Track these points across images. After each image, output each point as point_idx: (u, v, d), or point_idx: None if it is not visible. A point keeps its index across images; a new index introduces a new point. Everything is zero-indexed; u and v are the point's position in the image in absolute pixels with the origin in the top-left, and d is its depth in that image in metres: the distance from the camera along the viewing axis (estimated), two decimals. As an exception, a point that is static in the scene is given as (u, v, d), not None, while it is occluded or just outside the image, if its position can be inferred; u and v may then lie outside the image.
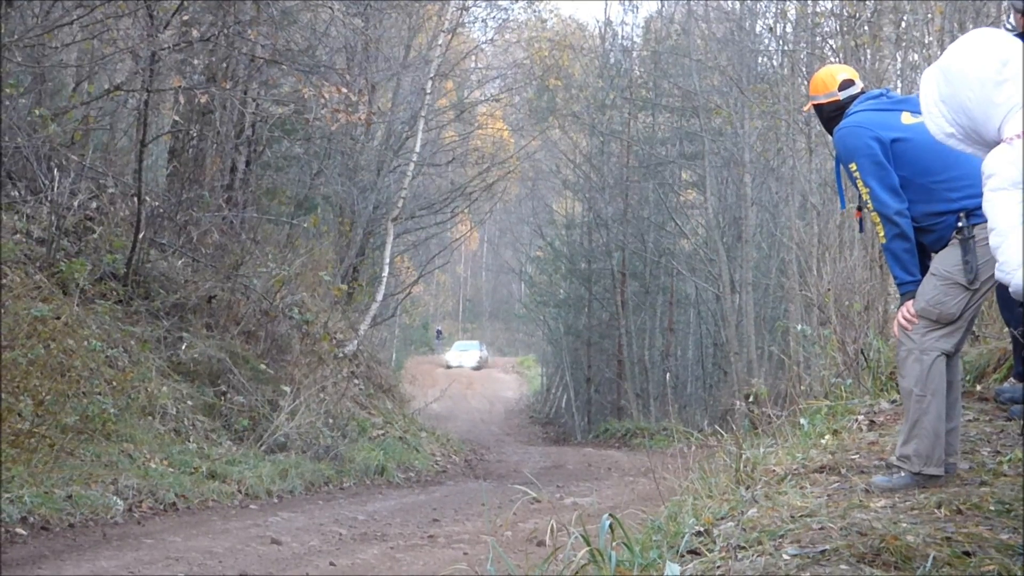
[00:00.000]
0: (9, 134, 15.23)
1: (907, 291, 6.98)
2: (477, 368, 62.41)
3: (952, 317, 6.80)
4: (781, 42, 28.41)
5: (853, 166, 6.98)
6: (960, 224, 6.80)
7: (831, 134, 7.35)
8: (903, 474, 6.95)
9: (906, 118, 7.03)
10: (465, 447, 26.75)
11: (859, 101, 7.15)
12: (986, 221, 6.33)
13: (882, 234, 7.00)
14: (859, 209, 7.30)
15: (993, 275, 6.46)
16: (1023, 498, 6.20)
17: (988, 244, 6.31)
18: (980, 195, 6.43)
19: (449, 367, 59.55)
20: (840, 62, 19.14)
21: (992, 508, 6.13)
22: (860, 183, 6.97)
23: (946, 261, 6.85)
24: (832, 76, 7.38)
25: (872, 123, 6.96)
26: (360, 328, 24.32)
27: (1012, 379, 9.87)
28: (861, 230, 8.97)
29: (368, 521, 13.20)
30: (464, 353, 65.03)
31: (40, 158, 15.69)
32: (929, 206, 6.89)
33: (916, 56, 16.96)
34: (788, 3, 28.15)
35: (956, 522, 5.91)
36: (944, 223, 6.84)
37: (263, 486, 15.06)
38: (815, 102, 7.34)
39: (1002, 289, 5.67)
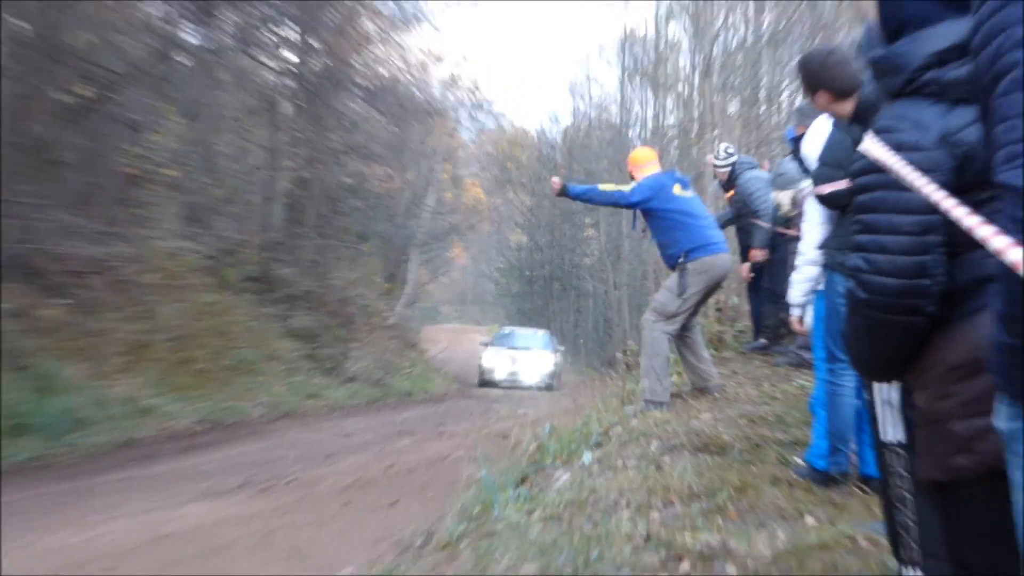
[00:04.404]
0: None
1: (571, 192, 8.82)
2: (551, 386, 27.06)
3: (671, 313, 8.40)
4: (640, 140, 32.35)
5: (631, 184, 8.71)
6: (680, 260, 8.44)
7: None
8: (642, 403, 8.41)
9: (676, 189, 8.69)
10: (458, 380, 28.83)
11: (657, 173, 8.80)
12: (695, 259, 8.33)
13: (604, 188, 8.83)
14: (644, 231, 9.05)
15: (696, 291, 8.43)
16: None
17: (697, 273, 8.33)
18: (697, 244, 8.42)
19: (486, 382, 27.88)
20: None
21: (771, 419, 6.97)
22: (628, 188, 8.70)
23: (671, 281, 8.54)
24: (641, 158, 9.07)
25: (659, 180, 8.67)
26: (396, 308, 29.31)
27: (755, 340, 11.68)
28: (634, 227, 9.70)
29: (402, 423, 14.63)
30: (523, 356, 28.89)
31: (207, 210, 18.72)
32: (669, 238, 8.58)
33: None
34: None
35: (752, 427, 6.77)
36: (668, 254, 8.60)
37: (341, 402, 17.47)
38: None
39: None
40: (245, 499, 8.08)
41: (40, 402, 11.08)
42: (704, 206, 9.18)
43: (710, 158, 11.97)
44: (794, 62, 15.21)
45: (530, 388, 26.56)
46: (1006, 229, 1.61)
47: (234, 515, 7.41)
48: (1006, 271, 1.60)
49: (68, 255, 13.20)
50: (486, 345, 30.82)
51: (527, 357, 28.70)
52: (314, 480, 9.09)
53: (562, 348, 33.16)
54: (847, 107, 4.39)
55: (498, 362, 28.48)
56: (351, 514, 7.55)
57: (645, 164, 8.90)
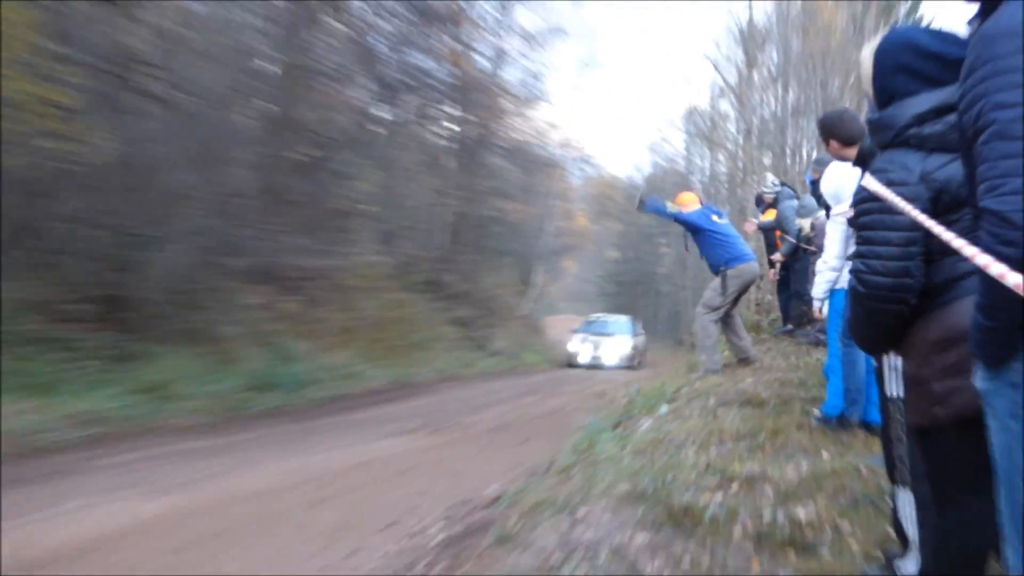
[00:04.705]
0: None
1: (648, 205, 8.78)
2: (631, 366, 22.15)
3: (716, 306, 8.41)
4: (701, 184, 30.38)
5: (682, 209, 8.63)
6: (722, 268, 8.44)
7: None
8: (702, 371, 8.50)
9: (714, 218, 8.71)
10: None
11: (700, 209, 8.73)
12: (733, 267, 8.27)
13: (671, 208, 8.68)
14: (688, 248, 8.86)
15: (734, 290, 8.29)
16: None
17: (734, 277, 8.26)
18: (733, 256, 8.31)
19: (572, 364, 22.53)
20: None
21: (796, 383, 6.87)
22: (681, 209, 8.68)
23: (715, 283, 8.47)
24: (685, 199, 8.93)
25: (702, 212, 8.67)
26: (525, 304, 29.00)
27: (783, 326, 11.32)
28: (686, 247, 9.20)
29: (529, 384, 14.95)
30: (604, 341, 23.37)
31: (394, 234, 19.27)
32: (713, 253, 8.56)
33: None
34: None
35: (782, 388, 6.66)
36: (712, 264, 8.52)
37: (487, 370, 17.97)
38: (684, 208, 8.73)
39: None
40: (421, 437, 8.14)
41: (279, 368, 11.33)
42: (735, 229, 9.05)
43: (768, 174, 11.98)
44: (812, 127, 15.94)
45: (611, 369, 21.45)
46: (984, 242, 1.61)
47: (413, 448, 7.49)
48: (982, 271, 1.59)
49: (298, 266, 13.47)
50: (574, 332, 24.79)
51: (608, 342, 23.18)
52: (469, 424, 9.15)
53: (643, 333, 26.46)
54: (852, 152, 4.26)
55: (581, 346, 23.17)
56: (494, 448, 7.59)
57: (688, 203, 8.86)
